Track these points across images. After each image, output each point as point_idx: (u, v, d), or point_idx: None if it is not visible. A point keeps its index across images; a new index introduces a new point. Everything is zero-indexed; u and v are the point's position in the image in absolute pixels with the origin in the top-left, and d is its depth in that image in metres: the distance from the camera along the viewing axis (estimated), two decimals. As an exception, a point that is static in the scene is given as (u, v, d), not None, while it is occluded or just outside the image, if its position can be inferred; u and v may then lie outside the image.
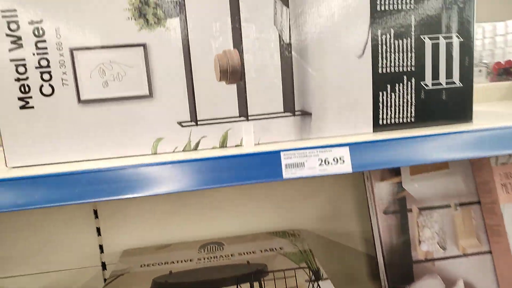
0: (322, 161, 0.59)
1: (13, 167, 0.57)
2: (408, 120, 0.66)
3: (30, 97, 0.56)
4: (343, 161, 0.59)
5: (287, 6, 0.60)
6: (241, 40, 0.60)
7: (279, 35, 0.61)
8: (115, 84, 0.57)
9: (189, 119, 0.60)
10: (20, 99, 0.56)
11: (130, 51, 0.57)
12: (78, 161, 0.58)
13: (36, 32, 0.55)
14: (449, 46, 0.65)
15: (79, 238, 0.93)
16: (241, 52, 0.60)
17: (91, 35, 0.56)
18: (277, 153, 0.58)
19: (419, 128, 0.66)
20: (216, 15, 0.59)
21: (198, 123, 0.60)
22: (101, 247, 0.94)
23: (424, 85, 0.65)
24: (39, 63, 0.56)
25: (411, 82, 0.65)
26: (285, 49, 0.61)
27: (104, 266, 0.95)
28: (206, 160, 0.55)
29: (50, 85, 0.56)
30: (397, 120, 0.66)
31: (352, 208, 1.03)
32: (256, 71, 0.61)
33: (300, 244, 0.91)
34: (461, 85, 0.66)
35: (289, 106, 0.63)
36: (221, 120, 0.61)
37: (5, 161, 0.57)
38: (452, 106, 0.67)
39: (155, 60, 0.58)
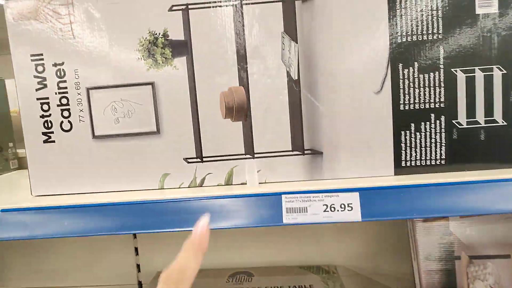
0: (327, 207, 0.55)
1: (37, 195, 0.62)
2: (438, 162, 0.59)
3: (52, 132, 0.61)
4: (351, 208, 0.54)
5: (296, 41, 0.58)
6: (247, 77, 0.59)
7: (287, 71, 0.59)
8: (125, 121, 0.60)
9: (195, 156, 0.60)
10: (44, 133, 0.61)
11: (139, 90, 0.59)
12: (93, 193, 0.62)
13: (58, 74, 0.60)
14: (488, 80, 0.57)
15: (119, 257, 0.98)
16: (247, 89, 0.59)
17: (105, 75, 0.60)
18: (278, 196, 0.56)
19: (451, 171, 0.58)
20: (221, 53, 0.59)
21: (204, 160, 0.60)
22: (138, 266, 0.98)
23: (456, 124, 0.58)
24: (60, 101, 0.60)
25: (440, 120, 0.58)
26: (294, 86, 0.59)
27: (140, 285, 0.98)
28: (194, 201, 0.55)
29: (69, 121, 0.61)
30: (423, 162, 0.59)
31: (394, 247, 0.94)
32: (262, 108, 0.59)
33: (332, 283, 0.85)
34: (505, 123, 0.57)
35: (298, 144, 0.59)
36: (227, 157, 0.60)
37: (30, 189, 0.62)
38: (494, 147, 0.58)
39: (162, 98, 0.59)
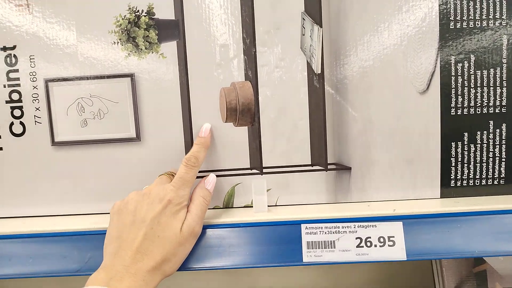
0: (361, 240, 0.42)
1: (-22, 219, 0.48)
2: (495, 182, 0.46)
3: (-1, 137, 0.47)
4: (393, 242, 0.41)
5: (320, 24, 0.45)
6: (256, 70, 0.45)
7: (307, 62, 0.45)
8: (95, 123, 0.46)
9: (186, 170, 0.46)
10: (-13, 138, 0.47)
11: (114, 83, 0.46)
12: (51, 216, 0.47)
13: (8, 60, 0.46)
14: (562, 79, 0.45)
15: None
16: (255, 85, 0.46)
17: (70, 64, 0.46)
18: (296, 225, 0.42)
19: (510, 194, 0.46)
20: (223, 37, 0.45)
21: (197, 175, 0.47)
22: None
23: (521, 134, 0.45)
24: (9, 96, 0.47)
25: (500, 129, 0.45)
26: (316, 82, 0.46)
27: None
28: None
29: (21, 122, 0.47)
30: (477, 182, 0.46)
31: (416, 276, 0.82)
32: (275, 110, 0.46)
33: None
34: None
35: (319, 157, 0.46)
36: (227, 172, 0.47)
37: (-31, 211, 0.48)
38: None
39: (144, 94, 0.46)
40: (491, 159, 0.46)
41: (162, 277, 0.39)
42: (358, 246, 0.41)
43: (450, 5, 0.44)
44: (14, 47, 0.46)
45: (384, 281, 0.82)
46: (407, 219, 0.42)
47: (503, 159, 0.46)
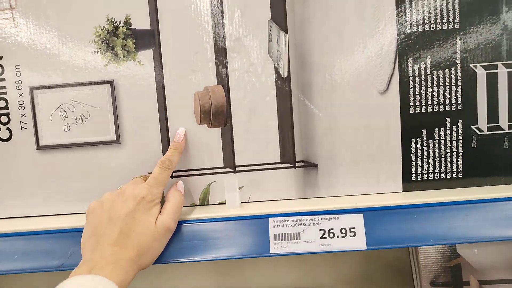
0: (325, 232, 0.45)
1: (-31, 220, 0.51)
2: (454, 176, 0.49)
3: (-13, 142, 0.50)
4: (354, 233, 0.44)
5: (285, 31, 0.48)
6: (227, 75, 0.49)
7: (274, 67, 0.49)
8: (77, 128, 0.49)
9: (164, 170, 0.49)
10: (-24, 144, 0.50)
11: (95, 90, 0.49)
12: (37, 216, 0.50)
13: (-5, 70, 0.49)
14: (513, 77, 0.48)
15: None
16: (226, 89, 0.49)
17: (53, 72, 0.49)
18: (264, 219, 0.45)
19: (469, 186, 0.49)
20: (196, 45, 0.48)
21: (174, 174, 0.50)
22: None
23: (476, 130, 0.48)
24: (-3, 104, 0.49)
25: (456, 126, 0.49)
26: (283, 85, 0.49)
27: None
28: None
29: (8, 128, 0.50)
30: (437, 175, 0.49)
31: (394, 271, 0.85)
32: (245, 112, 0.49)
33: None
34: (533, 129, 0.48)
35: (288, 155, 0.49)
36: (202, 171, 0.50)
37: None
38: (520, 158, 0.49)
39: (124, 100, 0.49)
40: (449, 154, 0.49)
41: (138, 269, 0.42)
42: (321, 237, 0.44)
43: (406, 10, 0.48)
44: (0, 58, 0.49)
45: (363, 276, 0.85)
46: (367, 211, 0.45)
47: (460, 154, 0.49)
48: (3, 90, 0.49)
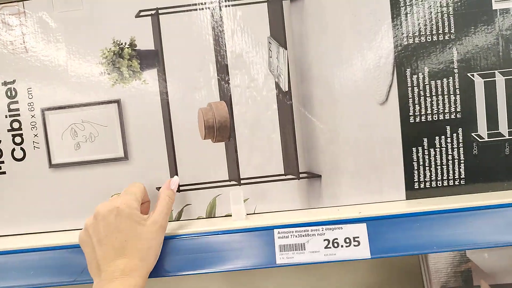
0: (329, 242, 0.45)
1: (-14, 237, 0.53)
2: (456, 183, 0.50)
3: (2, 162, 0.52)
4: (358, 242, 0.45)
5: (285, 47, 0.49)
6: (229, 90, 0.50)
7: (275, 82, 0.50)
8: (87, 146, 0.51)
9: (171, 185, 0.51)
10: (-8, 164, 0.52)
11: (103, 109, 0.51)
12: (51, 232, 0.52)
13: (9, 93, 0.51)
14: (510, 85, 0.49)
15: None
16: (229, 104, 0.50)
17: (63, 93, 0.51)
18: (269, 230, 0.47)
19: (471, 193, 0.50)
20: (198, 63, 0.50)
21: (181, 188, 0.51)
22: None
23: (476, 137, 0.49)
24: (11, 125, 0.52)
25: (457, 134, 0.49)
26: (284, 99, 0.50)
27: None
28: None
29: (21, 148, 0.52)
30: (439, 183, 0.50)
31: (404, 276, 0.85)
32: (248, 126, 0.50)
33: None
34: (533, 134, 0.49)
35: (291, 167, 0.51)
36: (208, 185, 0.51)
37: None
38: (520, 163, 0.49)
39: (130, 118, 0.51)
40: (450, 161, 0.50)
41: (147, 271, 0.43)
42: (326, 247, 0.45)
43: (402, 22, 0.49)
44: (14, 81, 0.52)
45: (373, 283, 0.85)
46: (370, 220, 0.46)
47: (462, 161, 0.50)
48: (17, 112, 0.52)
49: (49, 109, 0.51)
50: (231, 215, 0.51)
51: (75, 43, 0.51)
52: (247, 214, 0.50)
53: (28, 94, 0.51)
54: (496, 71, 0.49)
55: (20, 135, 0.52)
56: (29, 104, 0.51)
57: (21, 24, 0.51)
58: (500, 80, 0.49)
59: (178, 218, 0.51)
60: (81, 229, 0.52)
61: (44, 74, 0.51)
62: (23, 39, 0.51)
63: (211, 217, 0.51)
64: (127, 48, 0.50)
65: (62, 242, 0.48)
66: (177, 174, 0.51)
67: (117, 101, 0.51)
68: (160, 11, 0.50)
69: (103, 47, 0.51)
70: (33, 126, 0.52)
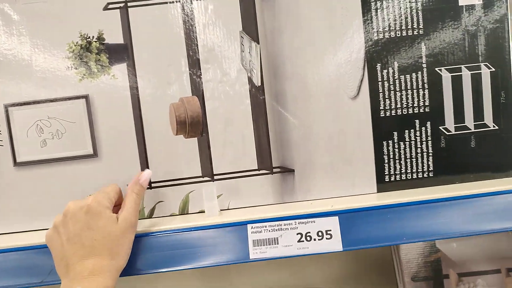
0: (302, 236, 0.46)
1: None
2: (425, 175, 0.51)
3: (-37, 161, 0.49)
4: (330, 235, 0.46)
5: (257, 41, 0.49)
6: (201, 85, 0.50)
7: (248, 76, 0.50)
8: (54, 143, 0.50)
9: (142, 181, 0.50)
10: (-49, 163, 0.50)
11: (70, 105, 0.49)
12: (18, 232, 0.50)
13: (-31, 88, 0.49)
14: (476, 79, 0.50)
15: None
16: (201, 99, 0.50)
17: (28, 89, 0.49)
18: (243, 225, 0.46)
19: (440, 184, 0.51)
20: (169, 57, 0.49)
21: (152, 185, 0.50)
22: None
23: (444, 130, 0.50)
24: (-28, 122, 0.49)
25: (425, 127, 0.50)
26: (257, 94, 0.50)
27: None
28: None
29: (-16, 146, 0.49)
30: (409, 176, 0.51)
31: (377, 268, 0.87)
32: (221, 121, 0.50)
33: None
34: (496, 127, 0.50)
35: (265, 162, 0.51)
36: (180, 181, 0.50)
37: None
38: (485, 155, 0.51)
39: (99, 114, 0.49)
40: (419, 154, 0.51)
41: (117, 271, 0.42)
42: (299, 241, 0.45)
43: (372, 18, 0.49)
44: (-27, 76, 0.49)
45: (348, 275, 0.86)
46: (342, 214, 0.46)
47: (430, 154, 0.51)
48: (-22, 108, 0.49)
49: (13, 105, 0.49)
50: (204, 212, 0.50)
51: (39, 36, 0.49)
52: (221, 210, 0.50)
53: (-10, 89, 0.49)
54: (462, 66, 0.50)
55: (-18, 132, 0.50)
56: (-9, 100, 0.49)
57: (-19, 16, 0.49)
58: (466, 75, 0.50)
59: (150, 216, 0.51)
60: (48, 229, 0.50)
61: (7, 68, 0.49)
62: (-16, 32, 0.49)
63: (184, 214, 0.51)
64: (95, 42, 0.49)
65: (29, 243, 0.46)
66: (148, 170, 0.50)
67: (85, 97, 0.49)
68: (129, 4, 0.49)
69: (70, 40, 0.49)
70: (-4, 123, 0.49)
